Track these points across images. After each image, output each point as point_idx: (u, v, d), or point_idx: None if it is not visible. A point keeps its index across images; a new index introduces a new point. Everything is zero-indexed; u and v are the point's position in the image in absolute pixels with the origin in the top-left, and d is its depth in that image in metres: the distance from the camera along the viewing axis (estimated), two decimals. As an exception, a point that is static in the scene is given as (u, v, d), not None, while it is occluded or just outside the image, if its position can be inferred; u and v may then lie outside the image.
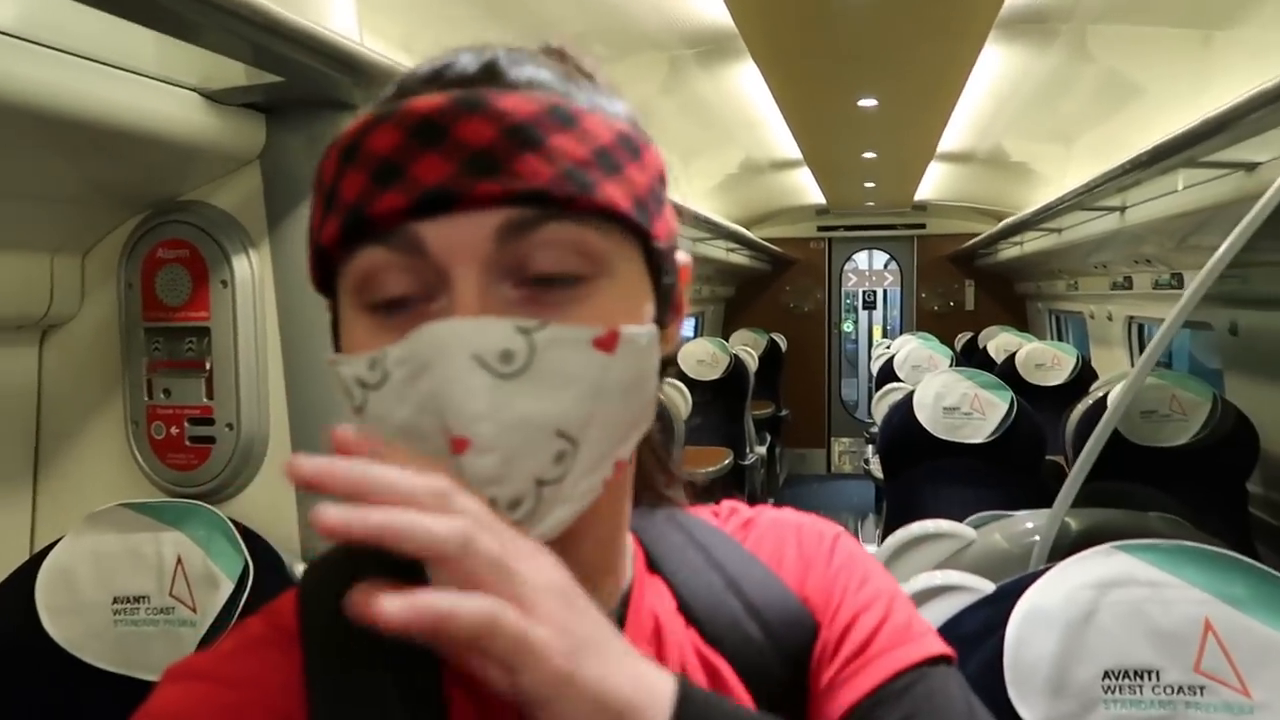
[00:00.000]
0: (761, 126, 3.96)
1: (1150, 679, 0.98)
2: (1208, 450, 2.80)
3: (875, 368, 5.53)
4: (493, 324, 0.42)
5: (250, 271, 1.33)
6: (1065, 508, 1.18)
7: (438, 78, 0.47)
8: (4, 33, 0.93)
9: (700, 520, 0.62)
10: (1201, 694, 0.97)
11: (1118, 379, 3.23)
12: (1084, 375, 4.41)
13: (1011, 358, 4.61)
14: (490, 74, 0.46)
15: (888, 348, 5.98)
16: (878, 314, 8.47)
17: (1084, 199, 3.12)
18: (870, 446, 5.37)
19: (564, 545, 0.45)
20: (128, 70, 1.10)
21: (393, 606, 0.38)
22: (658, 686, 0.42)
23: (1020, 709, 0.98)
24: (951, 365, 4.88)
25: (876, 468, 4.28)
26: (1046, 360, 4.53)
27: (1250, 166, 2.08)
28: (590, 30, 2.36)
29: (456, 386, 0.42)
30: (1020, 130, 4.09)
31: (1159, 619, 0.99)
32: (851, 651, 0.55)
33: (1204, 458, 2.80)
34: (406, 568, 0.50)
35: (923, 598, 1.08)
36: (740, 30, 2.20)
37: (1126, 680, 0.98)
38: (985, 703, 0.58)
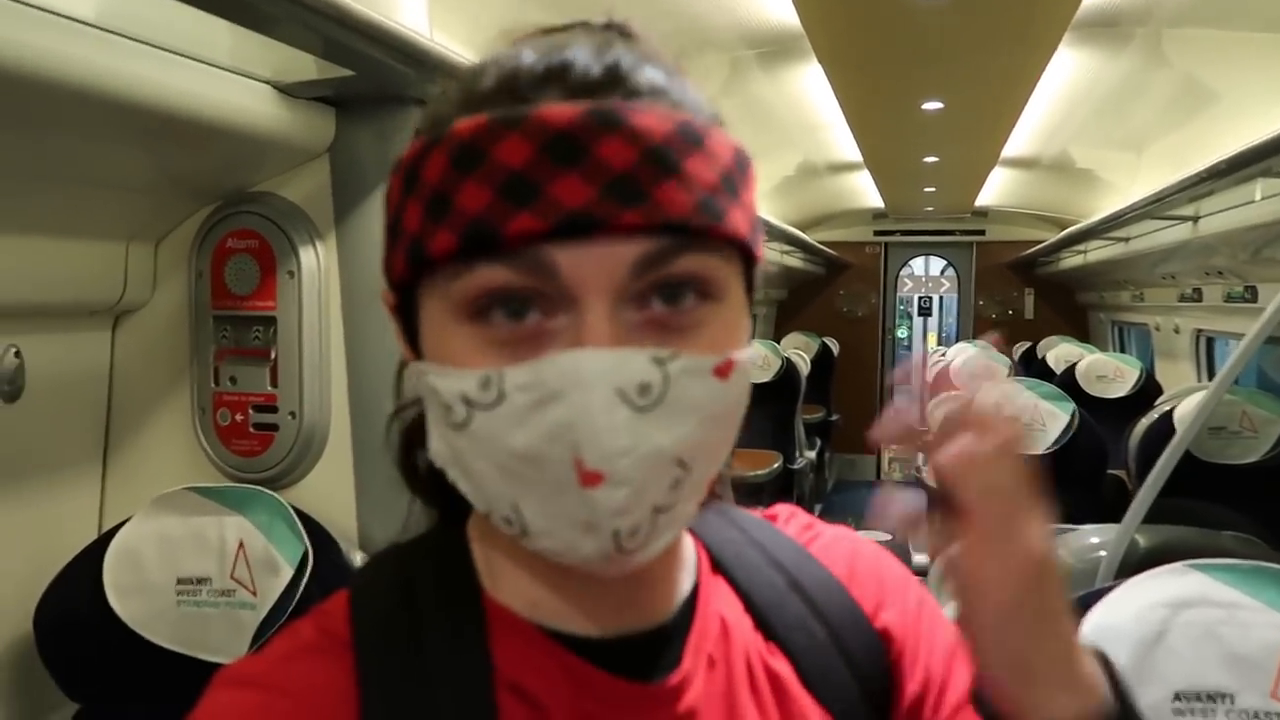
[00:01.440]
0: (820, 129, 3.92)
1: (1224, 703, 0.95)
2: (1278, 469, 2.71)
3: (930, 375, 5.44)
4: (632, 356, 0.41)
5: (316, 263, 1.35)
6: (1135, 524, 1.15)
7: (558, 78, 0.43)
8: (84, 22, 0.95)
9: (754, 518, 0.62)
10: (1278, 721, 0.93)
11: (1185, 393, 3.14)
12: (1148, 388, 4.30)
13: (1071, 369, 4.51)
14: (614, 79, 0.43)
15: (942, 355, 5.89)
16: (932, 320, 8.35)
17: (1155, 207, 3.03)
18: (921, 454, 5.28)
19: None
20: (203, 62, 1.13)
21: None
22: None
23: (1086, 729, 0.95)
24: (1010, 374, 4.78)
25: (928, 475, 4.21)
26: (1109, 372, 4.43)
27: (1335, 177, 2.00)
28: (654, 27, 2.36)
29: (598, 420, 0.41)
30: (1088, 136, 3.99)
31: (1235, 642, 0.96)
32: (954, 703, 0.56)
33: (1276, 476, 2.71)
34: (454, 575, 0.51)
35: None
36: (807, 31, 2.17)
37: (1199, 703, 0.95)
38: None
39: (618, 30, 0.47)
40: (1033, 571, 0.45)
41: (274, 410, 1.36)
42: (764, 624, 0.55)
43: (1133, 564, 1.18)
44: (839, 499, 7.10)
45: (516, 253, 0.41)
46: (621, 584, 0.49)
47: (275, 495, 1.29)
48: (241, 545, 1.26)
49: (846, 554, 0.61)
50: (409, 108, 1.34)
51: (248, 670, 0.49)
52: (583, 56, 0.44)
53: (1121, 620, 0.98)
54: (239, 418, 1.37)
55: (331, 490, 1.37)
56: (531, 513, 0.43)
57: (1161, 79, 2.92)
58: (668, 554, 0.52)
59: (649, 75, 0.44)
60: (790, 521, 0.63)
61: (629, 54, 0.45)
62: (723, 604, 0.55)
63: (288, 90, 1.25)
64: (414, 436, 0.54)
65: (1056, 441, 2.99)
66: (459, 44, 1.39)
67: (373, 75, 1.23)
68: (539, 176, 0.40)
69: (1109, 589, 1.01)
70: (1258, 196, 2.69)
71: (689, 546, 0.57)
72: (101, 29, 0.97)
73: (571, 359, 0.41)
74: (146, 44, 1.04)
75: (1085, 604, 1.01)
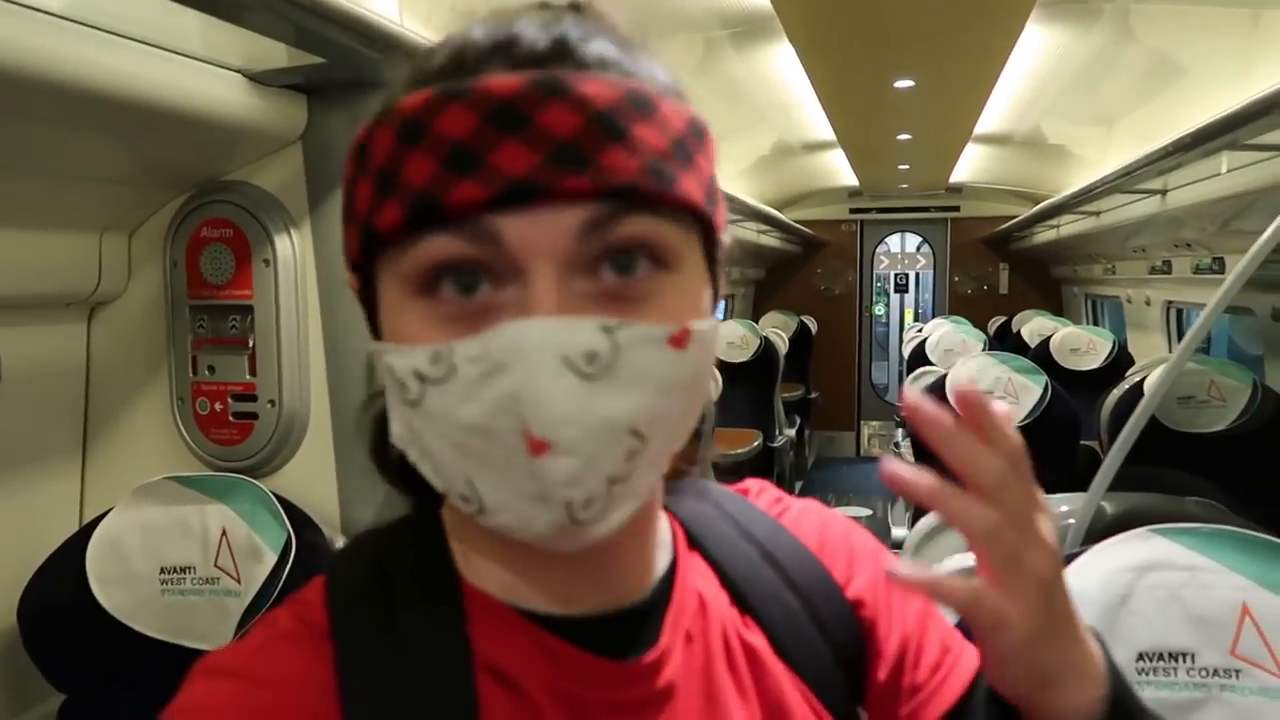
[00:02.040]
0: (794, 108, 3.93)
1: (1185, 661, 0.98)
2: (1246, 437, 2.77)
3: (907, 351, 5.49)
4: (578, 324, 0.41)
5: (292, 250, 1.35)
6: (1101, 491, 1.18)
7: (504, 52, 0.43)
8: (53, 14, 0.95)
9: (727, 492, 0.63)
10: (1237, 677, 0.97)
11: (1154, 364, 3.19)
12: (1120, 360, 4.36)
13: (1046, 342, 4.57)
14: (561, 50, 0.43)
15: (919, 331, 5.94)
16: (909, 297, 8.41)
17: (1124, 181, 3.07)
18: (900, 430, 5.36)
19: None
20: (174, 52, 1.12)
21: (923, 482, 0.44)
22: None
23: (1054, 690, 0.98)
24: (985, 349, 4.84)
25: (907, 451, 4.27)
26: (1082, 345, 4.48)
27: (1298, 149, 2.03)
28: (627, 11, 2.36)
29: (543, 388, 0.40)
30: (1060, 112, 4.03)
31: (1196, 603, 0.99)
32: (933, 662, 0.58)
33: (1242, 444, 2.77)
34: (429, 560, 0.51)
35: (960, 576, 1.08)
36: (778, 10, 2.18)
37: (1161, 662, 0.98)
38: None
39: (574, 7, 0.47)
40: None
41: (253, 399, 1.36)
42: (739, 597, 0.56)
43: (1100, 530, 1.21)
44: (819, 476, 7.17)
45: (461, 222, 0.41)
46: (596, 561, 0.49)
47: (256, 483, 1.30)
48: (224, 533, 1.27)
49: (816, 525, 0.62)
50: (381, 94, 1.34)
51: (226, 660, 0.48)
52: (530, 30, 0.44)
53: (1088, 585, 1.01)
54: (218, 407, 1.38)
55: (312, 477, 1.37)
56: (485, 488, 0.43)
57: (1130, 54, 2.95)
58: (641, 530, 0.53)
59: (598, 47, 0.44)
60: (761, 495, 0.64)
61: (578, 27, 0.44)
62: (699, 579, 0.56)
63: (259, 78, 1.24)
64: (385, 424, 0.53)
65: (1030, 414, 3.04)
66: (429, 28, 1.40)
67: (344, 62, 1.23)
68: (482, 146, 0.40)
69: (1076, 554, 1.04)
70: (1224, 169, 2.73)
71: (664, 523, 0.57)
72: (70, 20, 0.97)
73: (516, 328, 0.40)
74: (115, 34, 1.03)
75: (1053, 570, 1.04)
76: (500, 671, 0.48)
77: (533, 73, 0.41)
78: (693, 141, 0.45)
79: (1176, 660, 0.98)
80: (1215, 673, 0.97)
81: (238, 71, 1.22)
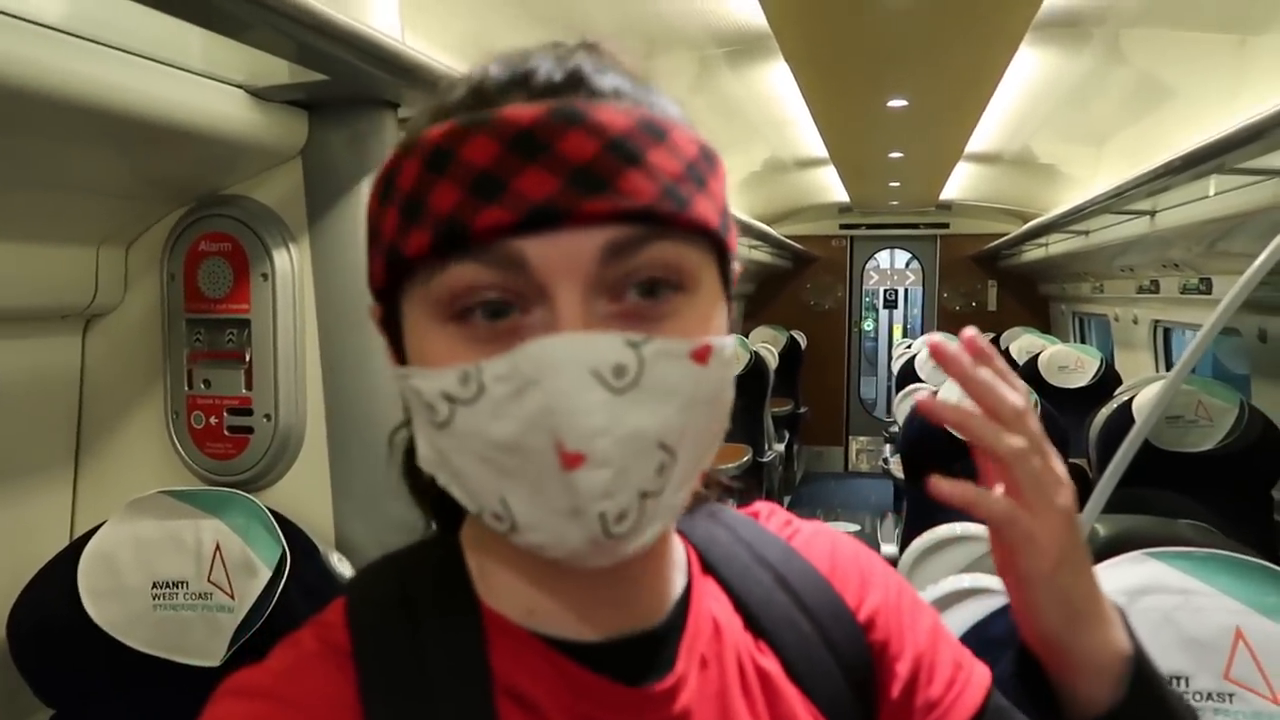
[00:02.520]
0: (787, 125, 3.95)
1: (1180, 685, 0.99)
2: (1233, 456, 2.79)
3: (896, 367, 5.51)
4: (605, 338, 0.42)
5: (290, 265, 1.35)
6: (1095, 514, 1.18)
7: (522, 84, 0.45)
8: (54, 28, 0.95)
9: (741, 517, 0.63)
10: (1231, 701, 0.97)
11: (1143, 383, 3.22)
12: (1107, 378, 4.39)
13: (1034, 359, 4.59)
14: (576, 82, 0.45)
15: (908, 347, 5.97)
16: (898, 313, 8.45)
17: (1114, 202, 3.10)
18: (889, 445, 5.37)
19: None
20: (175, 66, 1.12)
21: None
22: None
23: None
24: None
25: (895, 467, 4.27)
26: (1070, 363, 4.51)
27: (1285, 173, 2.06)
28: (624, 27, 2.37)
29: (574, 401, 0.41)
30: (1050, 132, 4.07)
31: (1190, 626, 1.00)
32: (947, 678, 0.60)
33: (1229, 464, 2.79)
34: (449, 583, 0.52)
35: (951, 600, 1.08)
36: (774, 30, 2.20)
37: (1156, 687, 0.99)
38: (1016, 703, 0.60)
39: (585, 46, 0.49)
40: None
41: (249, 413, 1.36)
42: (752, 622, 0.57)
43: (1094, 551, 1.21)
44: (807, 491, 7.17)
45: (487, 248, 0.42)
46: (615, 584, 0.50)
47: (251, 498, 1.29)
48: (218, 548, 1.26)
49: (827, 548, 0.62)
50: (382, 111, 1.35)
51: (254, 681, 0.48)
52: (545, 64, 0.46)
53: (1083, 608, 1.02)
54: (213, 421, 1.37)
55: (308, 492, 1.37)
56: (519, 505, 0.44)
57: (1120, 75, 2.98)
58: (659, 554, 0.54)
59: (610, 80, 0.46)
60: (771, 518, 0.65)
61: (590, 61, 0.46)
62: (714, 604, 0.56)
63: (260, 94, 1.25)
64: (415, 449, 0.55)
65: (1019, 432, 3.05)
66: (431, 46, 1.40)
67: (345, 79, 1.23)
68: (505, 172, 0.41)
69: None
70: (1212, 192, 2.77)
71: (679, 547, 0.58)
72: (71, 34, 0.97)
73: (545, 344, 0.42)
74: (116, 49, 1.03)
75: (1048, 593, 1.04)
76: (520, 695, 0.49)
77: (550, 102, 0.43)
78: (704, 166, 0.46)
79: (1172, 683, 0.99)
80: (1209, 696, 0.98)
81: (239, 87, 1.23)
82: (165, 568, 1.26)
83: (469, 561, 0.53)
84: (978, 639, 1.06)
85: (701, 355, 0.45)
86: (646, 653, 0.52)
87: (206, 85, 1.18)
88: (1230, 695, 0.97)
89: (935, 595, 1.10)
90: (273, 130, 1.29)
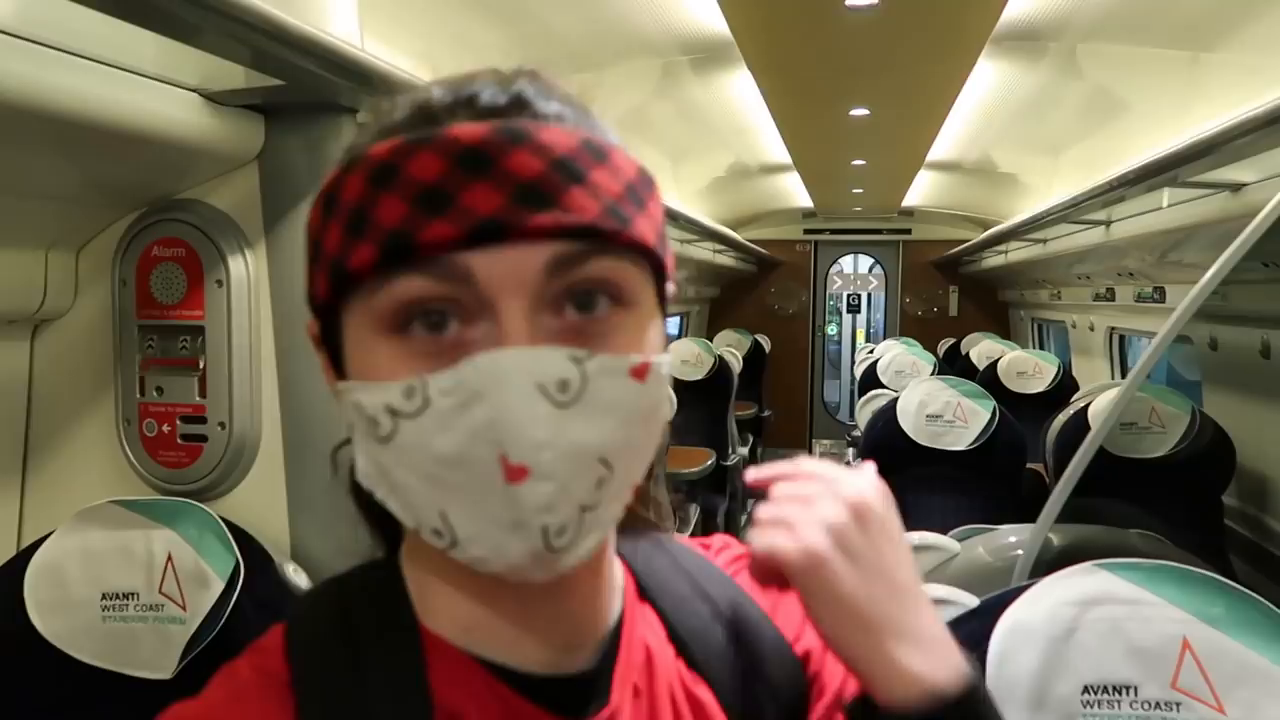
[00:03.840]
0: (751, 131, 3.98)
1: (1128, 694, 1.00)
2: (1185, 463, 2.85)
3: (859, 372, 5.56)
4: (550, 353, 0.43)
5: (246, 272, 1.33)
6: (1049, 524, 1.20)
7: (467, 105, 0.46)
8: (3, 32, 0.93)
9: (686, 548, 0.64)
10: (1178, 710, 0.99)
11: (1098, 390, 3.28)
12: (1065, 384, 4.46)
13: (994, 365, 4.66)
14: (519, 104, 0.46)
15: (870, 352, 6.02)
16: (861, 317, 8.52)
17: (1070, 212, 3.16)
18: (852, 449, 5.41)
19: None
20: (127, 70, 1.10)
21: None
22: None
23: (1002, 722, 1.00)
24: (935, 371, 4.92)
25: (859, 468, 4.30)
26: (1028, 368, 4.58)
27: (1236, 187, 2.11)
28: (588, 33, 2.37)
29: (520, 414, 0.42)
30: (1009, 141, 4.13)
31: (1138, 636, 1.01)
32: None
33: (1182, 470, 2.84)
34: (388, 607, 0.52)
35: (908, 611, 1.09)
36: (737, 40, 2.21)
37: (1105, 695, 1.01)
38: None
39: (526, 73, 0.49)
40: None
41: (203, 421, 1.34)
42: (685, 652, 0.57)
43: (1047, 562, 1.23)
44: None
45: (433, 261, 0.42)
46: (552, 601, 0.51)
47: (204, 508, 1.27)
48: (170, 559, 1.24)
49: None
50: (340, 116, 1.33)
51: (190, 713, 0.48)
52: (489, 88, 0.46)
53: (1035, 618, 1.03)
54: (166, 429, 1.35)
55: (263, 502, 1.35)
56: (459, 519, 0.44)
57: (1076, 89, 3.04)
58: (596, 573, 0.54)
59: (552, 105, 0.47)
60: (721, 553, 0.65)
61: (532, 86, 0.47)
62: (647, 631, 0.56)
63: (215, 98, 1.23)
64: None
65: (978, 438, 3.10)
66: (394, 52, 1.39)
67: (303, 84, 1.22)
68: (451, 187, 0.42)
69: (1024, 588, 1.06)
70: (1165, 204, 2.82)
71: (618, 570, 0.58)
72: (19, 37, 0.95)
73: (491, 358, 0.42)
74: (68, 52, 1.01)
75: (1002, 602, 1.06)
76: (456, 714, 0.49)
77: (496, 122, 0.44)
78: (643, 188, 0.47)
79: (1120, 693, 1.00)
80: (1157, 705, 1.00)
81: (193, 90, 1.21)
82: (115, 579, 1.24)
83: (408, 581, 0.53)
84: (932, 649, 1.07)
85: (640, 372, 0.45)
86: (582, 684, 0.52)
87: (159, 89, 1.16)
88: (1177, 704, 0.99)
89: (891, 605, 1.10)
90: (228, 135, 1.27)
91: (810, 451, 8.00)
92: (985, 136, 4.04)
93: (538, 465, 0.42)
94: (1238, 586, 1.01)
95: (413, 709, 0.48)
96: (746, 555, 0.63)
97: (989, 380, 4.40)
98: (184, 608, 1.23)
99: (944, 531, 3.28)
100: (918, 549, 1.29)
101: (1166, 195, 2.76)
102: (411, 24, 1.77)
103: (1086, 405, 3.05)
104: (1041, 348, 6.22)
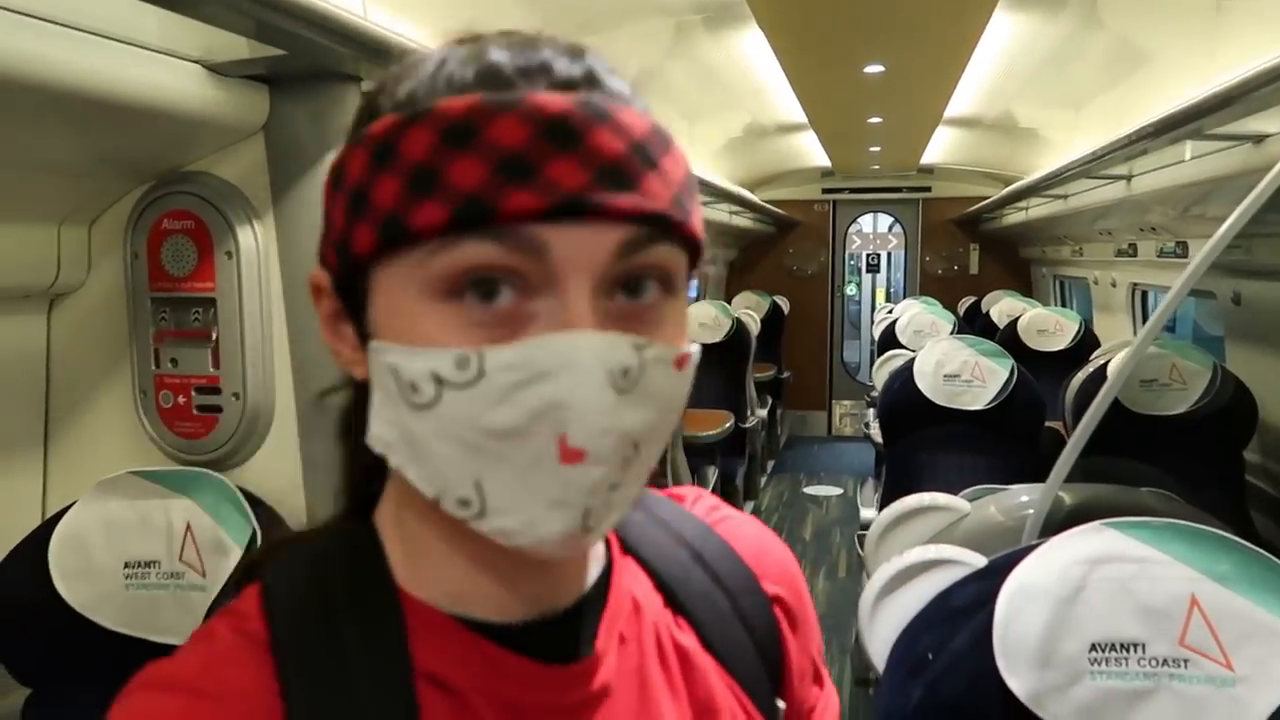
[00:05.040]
0: (767, 91, 3.92)
1: (1136, 651, 1.01)
2: (1206, 419, 2.82)
3: (877, 333, 5.53)
4: (619, 341, 0.43)
5: (255, 242, 1.34)
6: (1059, 483, 1.20)
7: (540, 73, 0.44)
8: (7, 8, 0.93)
9: (658, 497, 0.65)
10: (1185, 666, 0.99)
11: (1118, 347, 3.24)
12: (1086, 341, 4.41)
13: (1014, 323, 4.61)
14: (591, 80, 0.45)
15: (889, 312, 5.98)
16: (881, 277, 8.45)
17: (1091, 167, 3.10)
18: (871, 410, 5.40)
19: None
20: (131, 43, 1.11)
21: None
22: None
23: (1009, 680, 1.01)
24: (954, 330, 4.88)
25: (876, 432, 4.30)
26: (1049, 326, 4.53)
27: (1259, 139, 2.07)
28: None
29: (590, 400, 0.42)
30: (1029, 96, 4.05)
31: (1145, 594, 1.01)
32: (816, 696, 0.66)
33: (1203, 426, 2.81)
34: (367, 570, 0.51)
35: (915, 571, 1.10)
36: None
37: (1113, 653, 1.01)
38: (974, 674, 0.65)
39: (578, 48, 0.48)
40: None
41: (217, 392, 1.35)
42: (671, 598, 0.58)
43: (1058, 522, 1.23)
44: (790, 455, 7.22)
45: (509, 230, 0.41)
46: (545, 569, 0.51)
47: (221, 477, 1.29)
48: (189, 527, 1.26)
49: (753, 534, 0.65)
50: (345, 84, 1.33)
51: (169, 673, 0.47)
52: (560, 58, 0.45)
53: (1042, 578, 1.03)
54: (181, 400, 1.37)
55: (278, 470, 1.37)
56: (496, 490, 0.43)
57: (1098, 39, 2.97)
58: None
59: (616, 82, 0.46)
60: (697, 502, 0.66)
61: (599, 62, 0.46)
62: (633, 583, 0.57)
63: (219, 69, 1.23)
64: (351, 419, 0.54)
65: (996, 397, 3.08)
66: (394, 14, 1.38)
67: (306, 54, 1.21)
68: (535, 157, 0.41)
69: (1031, 548, 1.06)
70: (1187, 156, 2.77)
71: None
72: (24, 14, 0.95)
73: (567, 340, 0.42)
74: (71, 27, 1.02)
75: (1009, 563, 1.06)
76: (440, 680, 0.49)
77: (576, 95, 0.43)
78: (693, 180, 0.48)
79: (1127, 650, 1.01)
80: (1165, 662, 1.00)
81: (197, 62, 1.21)
82: (136, 548, 1.26)
83: (387, 547, 0.52)
84: (940, 609, 1.07)
85: (682, 362, 0.46)
86: (567, 632, 0.52)
87: (163, 61, 1.16)
88: (1185, 661, 0.99)
89: (900, 566, 1.11)
90: (233, 106, 1.27)
91: (830, 413, 7.99)
92: (1005, 91, 3.97)
93: (596, 450, 0.42)
94: (1246, 544, 1.01)
95: (392, 670, 0.48)
96: (722, 504, 0.67)
97: (1009, 339, 4.36)
98: (203, 575, 1.26)
99: (962, 492, 3.28)
100: (927, 510, 1.29)
101: (1189, 148, 2.70)
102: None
103: (1106, 362, 3.02)
104: (1063, 304, 6.16)
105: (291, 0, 1.02)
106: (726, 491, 4.67)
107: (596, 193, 0.41)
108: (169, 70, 1.17)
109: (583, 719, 0.51)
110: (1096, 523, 1.05)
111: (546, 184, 0.41)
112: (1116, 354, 3.05)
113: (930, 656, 1.04)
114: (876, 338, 5.47)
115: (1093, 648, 1.01)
